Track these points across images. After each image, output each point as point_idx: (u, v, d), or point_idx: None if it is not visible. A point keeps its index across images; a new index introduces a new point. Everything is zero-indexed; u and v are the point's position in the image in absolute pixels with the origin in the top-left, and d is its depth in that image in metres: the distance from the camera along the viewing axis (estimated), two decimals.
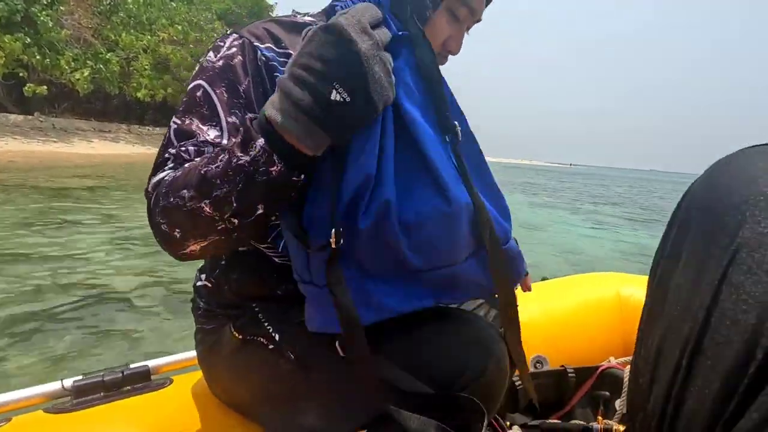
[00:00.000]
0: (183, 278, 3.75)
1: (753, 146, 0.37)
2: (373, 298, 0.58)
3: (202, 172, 0.52)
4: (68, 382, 0.85)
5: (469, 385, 0.63)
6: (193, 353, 0.88)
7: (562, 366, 1.17)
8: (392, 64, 0.53)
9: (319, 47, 0.48)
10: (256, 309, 0.70)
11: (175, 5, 21.45)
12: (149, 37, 19.38)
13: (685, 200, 0.39)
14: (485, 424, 0.57)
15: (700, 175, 0.40)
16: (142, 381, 0.89)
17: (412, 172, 0.57)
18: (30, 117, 16.08)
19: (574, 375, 1.16)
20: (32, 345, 2.51)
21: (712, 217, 0.34)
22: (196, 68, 0.65)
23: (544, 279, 1.58)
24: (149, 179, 0.58)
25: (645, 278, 0.50)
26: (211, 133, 0.61)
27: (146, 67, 19.37)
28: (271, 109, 0.50)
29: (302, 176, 0.53)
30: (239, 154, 0.51)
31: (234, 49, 0.64)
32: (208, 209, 0.52)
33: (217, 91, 0.62)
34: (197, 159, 0.57)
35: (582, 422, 1.07)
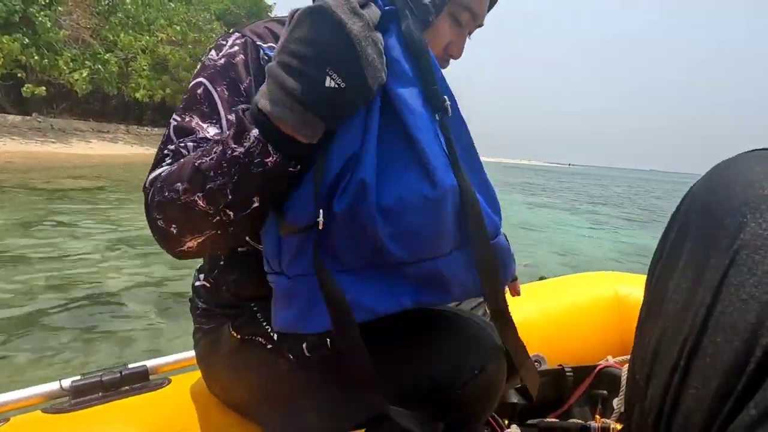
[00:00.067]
0: (180, 279, 3.74)
1: (752, 150, 0.38)
2: (347, 295, 0.53)
3: (196, 164, 0.52)
4: (66, 383, 0.85)
5: (467, 383, 0.63)
6: (191, 353, 0.88)
7: (560, 365, 1.18)
8: (383, 44, 0.51)
9: (309, 31, 0.46)
10: (255, 309, 0.70)
11: (173, 6, 21.44)
12: (148, 37, 19.36)
13: (684, 203, 0.39)
14: (483, 422, 0.57)
15: (700, 175, 0.40)
16: (141, 381, 0.89)
17: (396, 152, 0.54)
18: (28, 117, 16.04)
19: (572, 374, 1.17)
20: (30, 345, 2.51)
21: (712, 220, 0.34)
22: (198, 66, 0.65)
23: (542, 278, 1.58)
24: (147, 176, 0.58)
25: (643, 277, 0.50)
26: (211, 131, 0.60)
27: (145, 67, 19.36)
28: (264, 99, 0.49)
29: (298, 166, 0.52)
30: (233, 145, 0.50)
31: (236, 48, 0.64)
32: (201, 203, 0.52)
33: (218, 89, 0.62)
34: (193, 153, 0.56)
35: (580, 421, 1.07)
